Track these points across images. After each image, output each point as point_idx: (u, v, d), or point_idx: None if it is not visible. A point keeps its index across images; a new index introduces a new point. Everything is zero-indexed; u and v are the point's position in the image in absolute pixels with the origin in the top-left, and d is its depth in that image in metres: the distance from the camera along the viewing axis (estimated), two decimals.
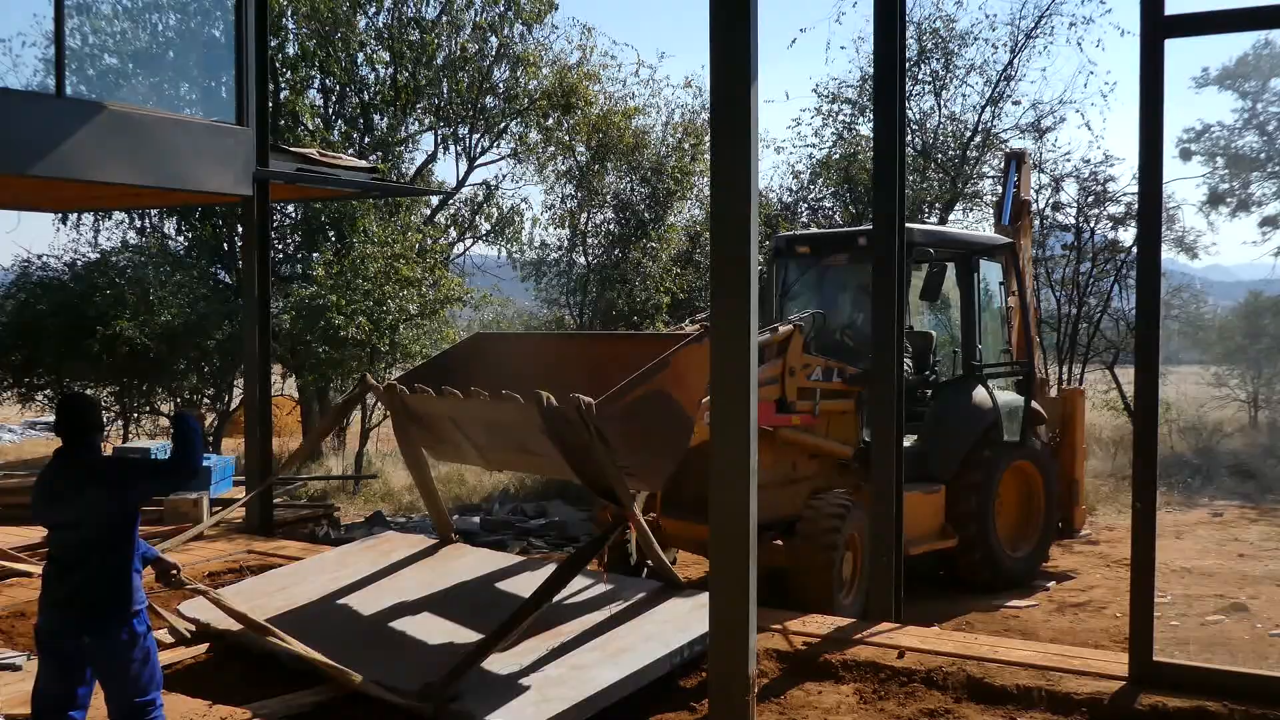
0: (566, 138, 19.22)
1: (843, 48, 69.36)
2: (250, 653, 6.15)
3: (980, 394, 9.54)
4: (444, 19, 19.19)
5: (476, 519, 12.78)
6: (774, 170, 38.05)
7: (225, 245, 18.23)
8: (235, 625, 5.99)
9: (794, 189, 19.81)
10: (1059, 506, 10.16)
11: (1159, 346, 5.47)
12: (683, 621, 6.00)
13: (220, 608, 5.94)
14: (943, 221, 17.68)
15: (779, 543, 8.12)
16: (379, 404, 14.97)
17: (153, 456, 11.29)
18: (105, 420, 5.10)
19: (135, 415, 17.42)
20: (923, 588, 8.75)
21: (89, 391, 16.75)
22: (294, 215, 18.05)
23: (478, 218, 21.05)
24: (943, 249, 9.40)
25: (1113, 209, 17.23)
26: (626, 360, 6.06)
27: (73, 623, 4.31)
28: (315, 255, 17.48)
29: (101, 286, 15.57)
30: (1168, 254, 19.13)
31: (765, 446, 7.24)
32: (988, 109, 18.10)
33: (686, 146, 19.06)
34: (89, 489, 4.32)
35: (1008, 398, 9.82)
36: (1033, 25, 17.44)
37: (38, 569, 8.42)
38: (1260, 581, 9.65)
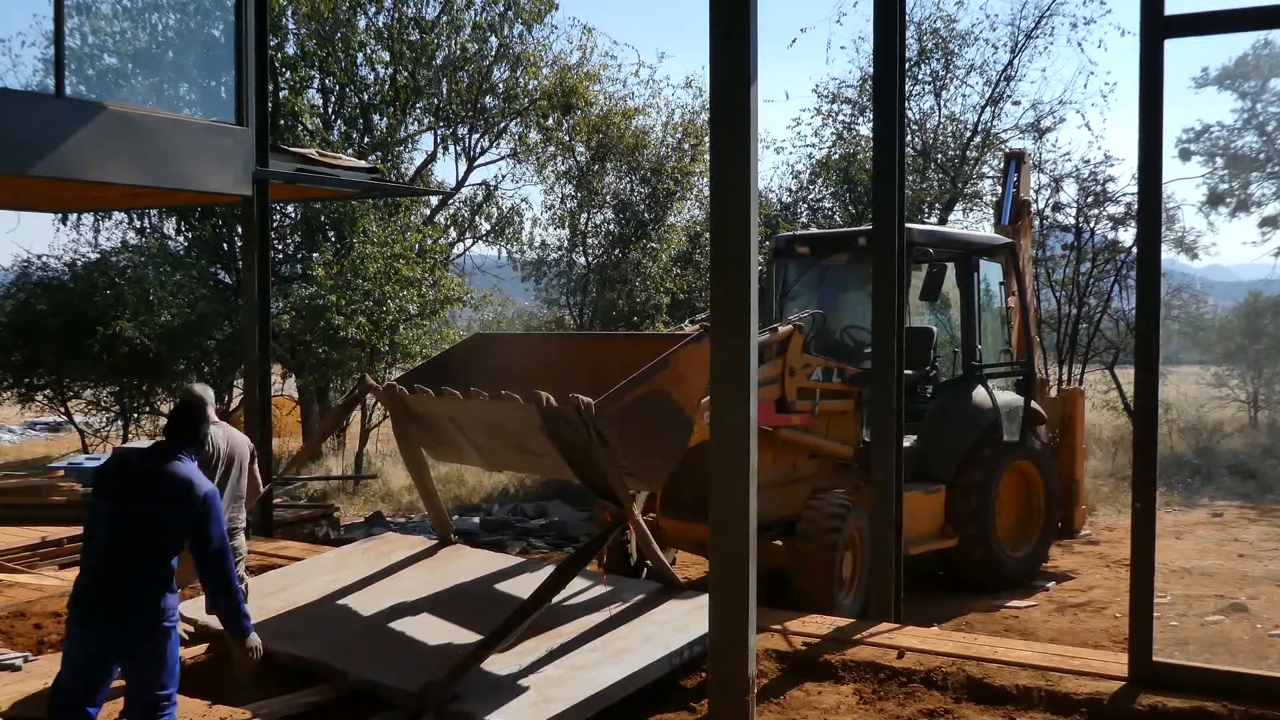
0: (566, 138, 19.22)
1: (843, 48, 69.44)
2: None
3: (980, 394, 9.53)
4: (444, 19, 19.20)
5: (476, 519, 12.77)
6: (774, 170, 38.23)
7: (225, 245, 18.22)
8: None
9: (794, 189, 19.84)
10: (1059, 506, 10.15)
11: (1159, 346, 5.47)
12: (682, 622, 6.00)
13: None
14: (943, 221, 17.68)
15: (779, 543, 8.11)
16: (379, 404, 14.97)
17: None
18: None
19: (135, 415, 17.41)
20: (923, 588, 8.75)
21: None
22: (294, 215, 18.05)
23: (478, 218, 21.07)
24: (943, 249, 9.40)
25: (1113, 209, 17.27)
26: (626, 360, 6.06)
27: (113, 618, 4.30)
28: (315, 255, 17.46)
29: (101, 286, 15.57)
30: (1168, 254, 19.16)
31: (765, 446, 7.24)
32: (988, 109, 18.14)
33: (686, 147, 19.06)
34: (160, 497, 4.35)
35: (1008, 398, 9.81)
36: (1033, 25, 17.50)
37: (34, 573, 8.42)
38: (1260, 581, 9.65)
